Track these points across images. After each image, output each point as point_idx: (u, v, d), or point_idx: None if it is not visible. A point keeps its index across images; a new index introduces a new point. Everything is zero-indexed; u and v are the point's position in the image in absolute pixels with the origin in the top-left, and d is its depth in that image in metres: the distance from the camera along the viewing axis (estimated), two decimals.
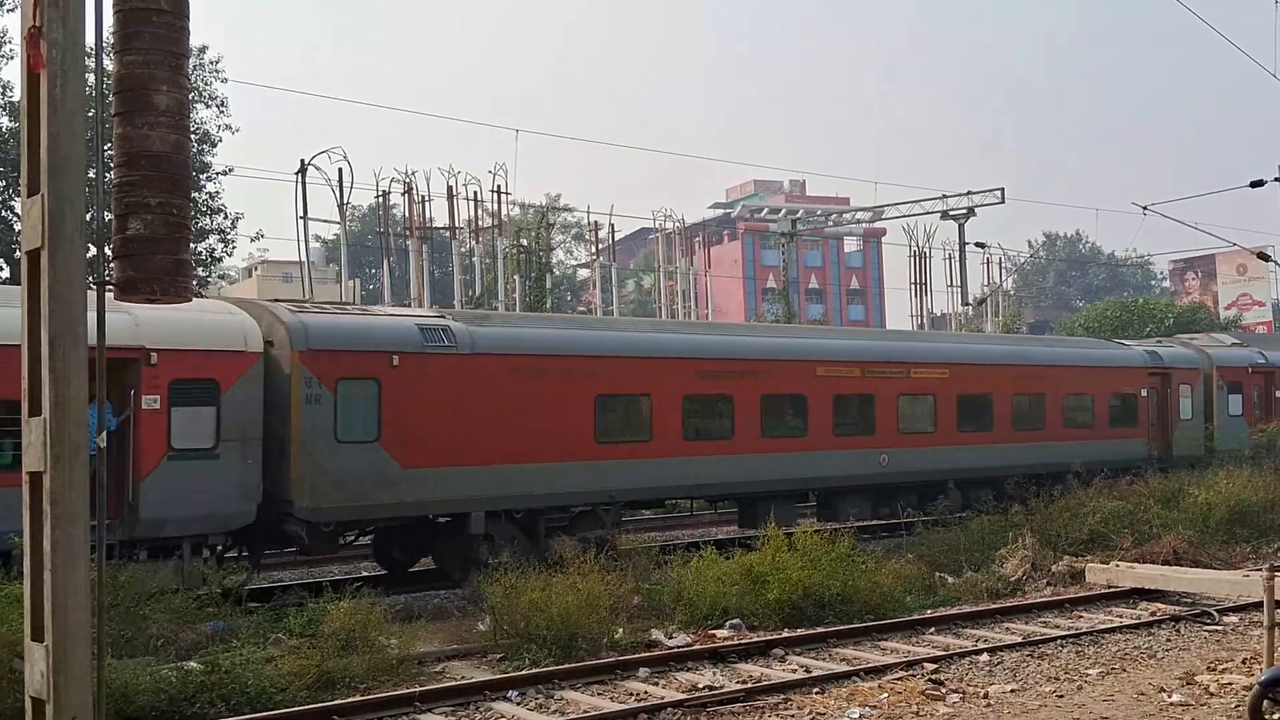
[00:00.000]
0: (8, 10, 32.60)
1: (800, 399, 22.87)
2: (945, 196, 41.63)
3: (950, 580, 19.40)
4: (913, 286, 54.14)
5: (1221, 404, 31.56)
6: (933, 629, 15.87)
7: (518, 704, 12.14)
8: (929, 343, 27.87)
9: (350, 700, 11.92)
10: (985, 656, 13.94)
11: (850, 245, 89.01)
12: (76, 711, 5.56)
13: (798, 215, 51.01)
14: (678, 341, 21.91)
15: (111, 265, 6.29)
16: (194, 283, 6.61)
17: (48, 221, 5.73)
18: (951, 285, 49.74)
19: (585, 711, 11.75)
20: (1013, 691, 12.33)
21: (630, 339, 21.29)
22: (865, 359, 24.04)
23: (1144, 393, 29.52)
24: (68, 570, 5.65)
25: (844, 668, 13.51)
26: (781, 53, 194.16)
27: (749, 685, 12.66)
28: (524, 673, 13.20)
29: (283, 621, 15.02)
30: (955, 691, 12.32)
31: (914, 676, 12.96)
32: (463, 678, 13.38)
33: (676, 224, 53.01)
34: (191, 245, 6.65)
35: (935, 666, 13.46)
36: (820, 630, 15.43)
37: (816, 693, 12.34)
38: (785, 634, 15.36)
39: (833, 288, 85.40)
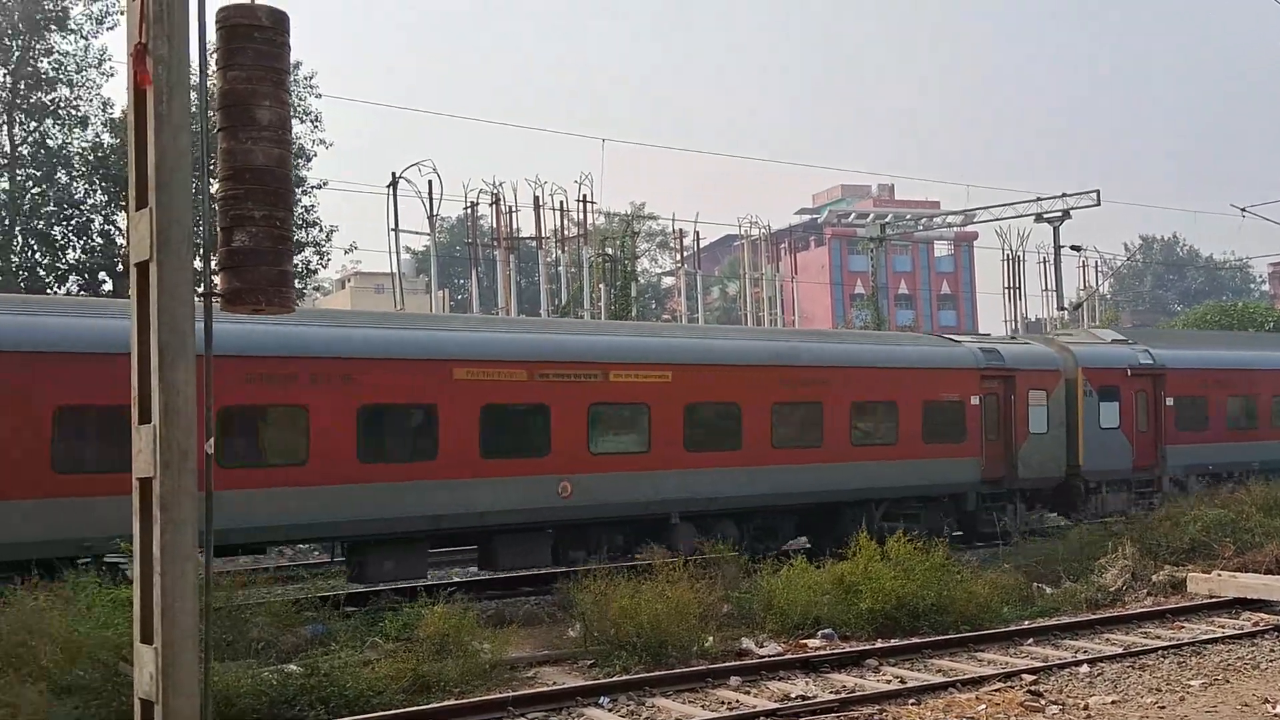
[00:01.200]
0: (108, 29, 33.58)
1: (421, 411, 17.89)
2: (1039, 199, 40.91)
3: (1048, 590, 19.05)
4: (1006, 291, 53.29)
5: (1090, 414, 26.20)
6: (1030, 640, 15.58)
7: (609, 710, 12.17)
8: (641, 337, 21.25)
9: (445, 704, 12.04)
10: (1085, 668, 13.66)
11: (941, 249, 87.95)
12: (184, 714, 5.69)
13: (886, 220, 50.53)
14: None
15: (217, 276, 6.44)
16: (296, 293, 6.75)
17: (155, 234, 5.89)
18: (1046, 290, 48.84)
19: (676, 719, 11.73)
20: (1113, 703, 12.06)
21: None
22: (535, 359, 18.73)
23: (974, 400, 24.16)
24: (176, 573, 5.79)
25: (940, 678, 13.31)
26: (865, 56, 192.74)
27: (842, 695, 12.54)
28: (615, 679, 13.23)
29: (378, 625, 15.24)
30: (1054, 703, 12.08)
31: (1012, 688, 12.73)
32: (554, 683, 13.44)
33: (762, 230, 52.83)
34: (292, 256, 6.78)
35: (1034, 678, 13.22)
36: (915, 641, 15.23)
37: (912, 704, 12.18)
38: (879, 644, 15.20)
39: (923, 293, 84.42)
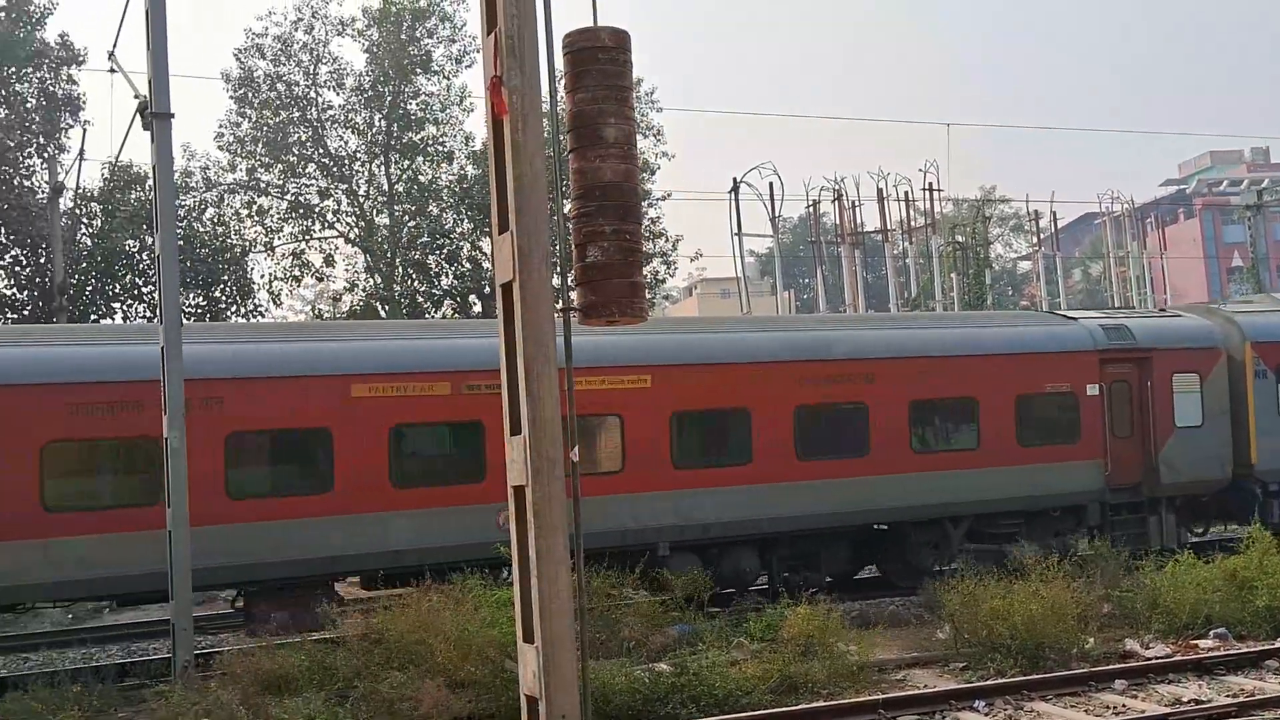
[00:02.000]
0: (466, 68, 35.92)
1: (310, 436, 15.55)
2: None
3: None
4: None
5: (1265, 399, 21.26)
6: None
7: (985, 714, 11.78)
8: (609, 334, 16.70)
9: (815, 705, 12.02)
10: None
11: None
12: (566, 710, 5.95)
13: (1263, 185, 46.39)
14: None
15: (574, 292, 6.72)
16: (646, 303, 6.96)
17: (517, 256, 6.21)
18: None
19: None
20: None
21: None
22: (462, 368, 15.95)
23: (1091, 390, 19.98)
24: (552, 577, 6.07)
25: None
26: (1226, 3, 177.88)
27: (1240, 699, 11.59)
28: (990, 683, 12.79)
29: (743, 626, 15.43)
30: None
31: None
32: (926, 686, 13.15)
33: (1125, 205, 49.74)
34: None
35: None
36: None
37: None
38: (1279, 644, 13.93)
39: None
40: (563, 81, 6.93)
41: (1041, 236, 48.14)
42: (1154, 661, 13.43)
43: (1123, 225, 50.22)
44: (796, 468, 17.66)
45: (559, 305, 6.70)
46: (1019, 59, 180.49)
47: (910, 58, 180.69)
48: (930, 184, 40.84)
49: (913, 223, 42.00)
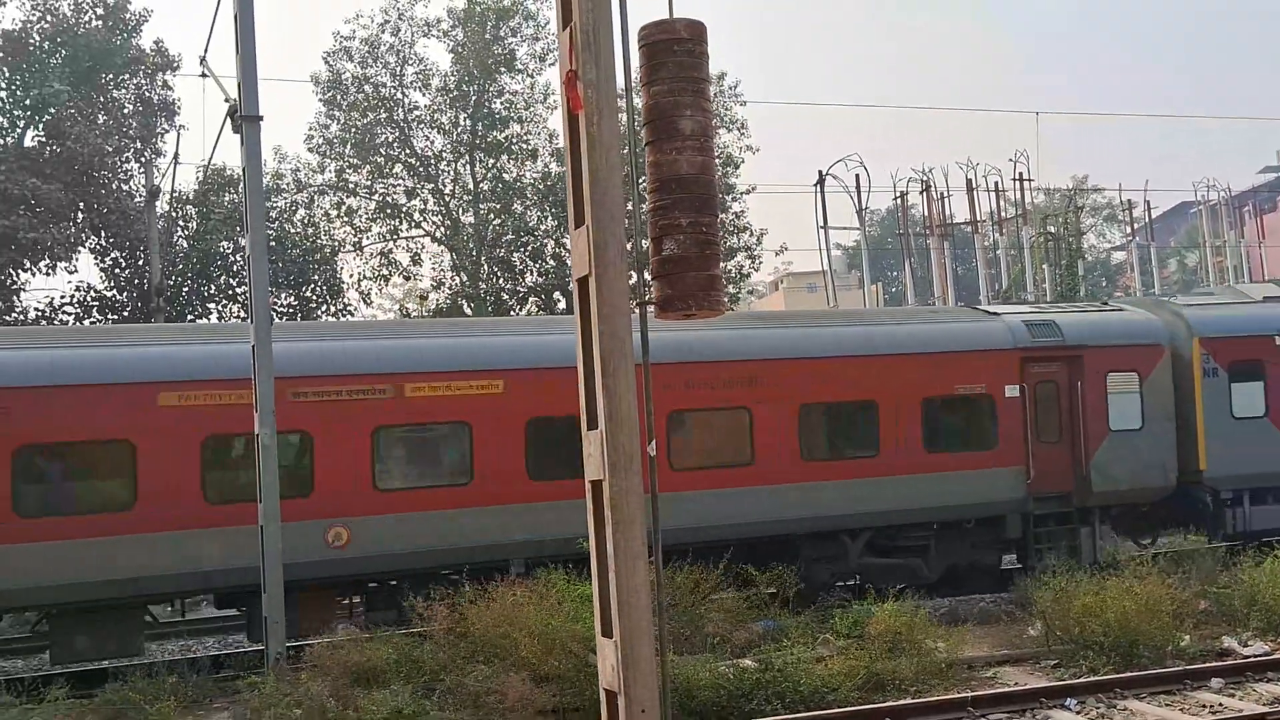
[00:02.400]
0: (549, 65, 36.10)
1: (110, 449, 14.53)
2: None
3: None
4: None
5: (1214, 400, 19.46)
6: None
7: (1077, 713, 11.56)
8: (462, 337, 16.76)
9: (903, 703, 11.90)
10: None
11: None
12: (645, 704, 5.93)
13: None
14: None
15: (650, 285, 6.69)
16: (726, 296, 6.90)
17: (593, 250, 6.19)
18: None
19: None
20: None
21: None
22: (287, 374, 14.63)
23: (1011, 391, 18.36)
24: (629, 571, 6.05)
25: None
26: None
27: None
28: (1082, 680, 12.56)
29: (828, 623, 15.32)
30: None
31: None
32: (1015, 683, 12.94)
33: (1221, 193, 48.43)
34: (721, 261, 6.93)
35: None
36: None
37: None
38: None
39: None
40: (638, 75, 6.91)
41: (1136, 226, 47.07)
42: (1252, 660, 13.07)
43: (1219, 214, 48.92)
44: (669, 478, 15.89)
45: (635, 300, 6.68)
46: (1108, 44, 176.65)
47: (997, 44, 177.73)
48: (1020, 174, 40.16)
49: (1003, 214, 41.33)
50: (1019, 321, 19.17)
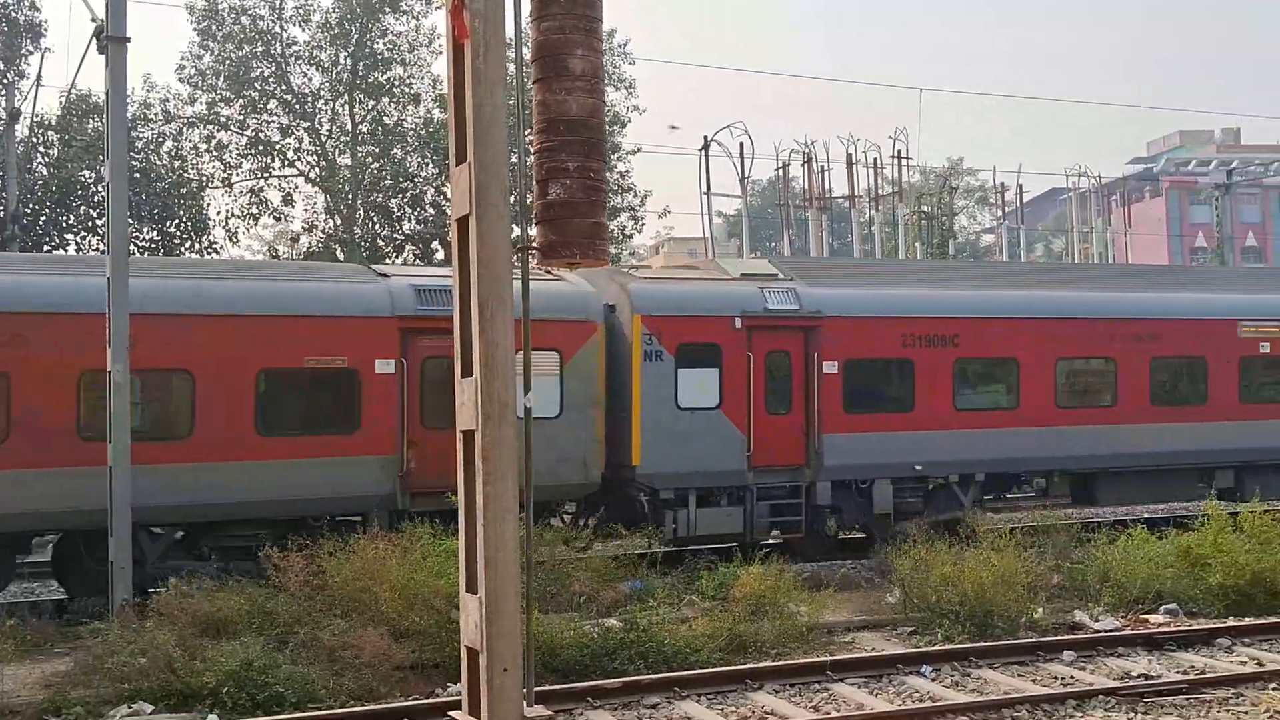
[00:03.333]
0: (436, 8, 35.26)
1: None
2: None
3: None
4: None
5: (655, 386, 16.77)
6: None
7: (932, 680, 11.70)
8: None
9: (763, 665, 11.92)
10: None
11: None
12: (507, 662, 5.74)
13: (1232, 166, 46.56)
14: None
15: (534, 231, 6.44)
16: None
17: (474, 189, 5.92)
18: None
19: (1006, 693, 11.12)
20: None
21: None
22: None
23: (384, 366, 15.60)
24: (498, 525, 5.83)
25: None
26: None
27: (1191, 676, 11.56)
28: (938, 648, 12.73)
29: (695, 584, 15.31)
30: None
31: None
32: (873, 649, 13.08)
33: (1092, 181, 49.78)
34: (606, 211, 6.71)
35: None
36: (1274, 620, 13.88)
37: (1274, 689, 11.08)
38: (1231, 622, 13.94)
39: (1276, 244, 77.57)
40: (529, 10, 6.62)
41: (1006, 210, 48.12)
42: (1103, 634, 13.40)
43: (1089, 201, 50.30)
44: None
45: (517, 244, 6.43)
46: (994, 26, 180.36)
47: (887, 20, 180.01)
48: (899, 151, 40.65)
49: (880, 190, 41.82)
50: (407, 285, 16.18)
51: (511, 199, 6.08)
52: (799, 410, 17.67)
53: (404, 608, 11.85)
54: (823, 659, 12.15)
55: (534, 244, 6.40)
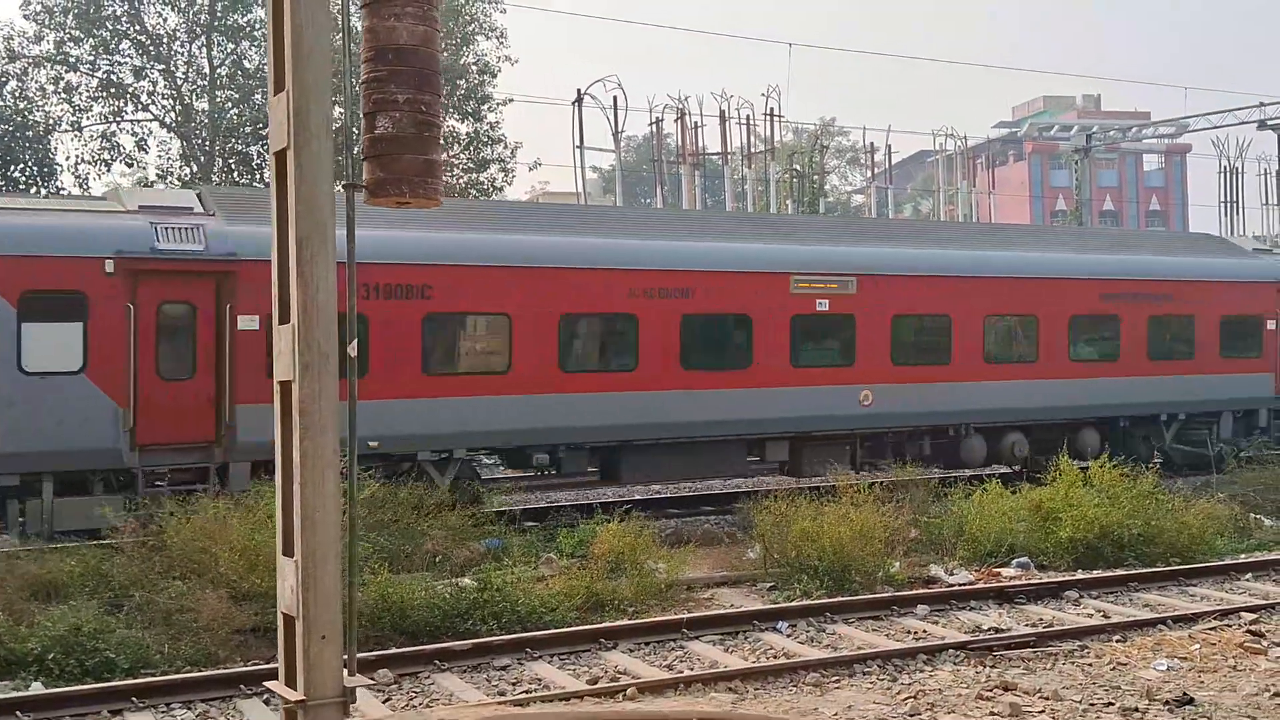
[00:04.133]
0: None
1: None
2: (1263, 105, 37.80)
3: (1268, 523, 17.61)
4: (1222, 205, 49.86)
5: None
6: (1249, 575, 14.39)
7: (787, 636, 11.65)
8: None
9: (619, 624, 11.73)
10: None
11: (1151, 163, 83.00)
12: (325, 629, 5.37)
13: (1092, 131, 47.68)
14: None
15: (361, 167, 6.02)
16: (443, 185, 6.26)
17: (292, 119, 5.48)
18: (1267, 203, 45.50)
19: (859, 648, 11.12)
20: None
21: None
22: None
23: None
24: (317, 483, 5.45)
25: (1148, 614, 12.36)
26: None
27: (1039, 629, 11.72)
28: (794, 604, 12.69)
29: (554, 542, 15.06)
30: (1279, 644, 11.01)
31: (1229, 627, 11.70)
32: (731, 605, 12.99)
33: (958, 143, 50.55)
34: (441, 147, 6.31)
35: (1254, 616, 12.13)
36: (1120, 573, 14.20)
37: (1118, 640, 11.28)
38: (1079, 575, 14.21)
39: (1130, 208, 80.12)
40: None
41: (876, 170, 48.62)
42: (957, 588, 13.53)
43: (955, 163, 51.11)
44: None
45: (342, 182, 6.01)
46: None
47: None
48: (771, 109, 40.66)
49: (753, 148, 41.81)
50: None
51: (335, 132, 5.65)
52: (206, 376, 14.64)
53: (245, 569, 11.35)
54: (678, 617, 12.00)
55: (362, 182, 5.98)
